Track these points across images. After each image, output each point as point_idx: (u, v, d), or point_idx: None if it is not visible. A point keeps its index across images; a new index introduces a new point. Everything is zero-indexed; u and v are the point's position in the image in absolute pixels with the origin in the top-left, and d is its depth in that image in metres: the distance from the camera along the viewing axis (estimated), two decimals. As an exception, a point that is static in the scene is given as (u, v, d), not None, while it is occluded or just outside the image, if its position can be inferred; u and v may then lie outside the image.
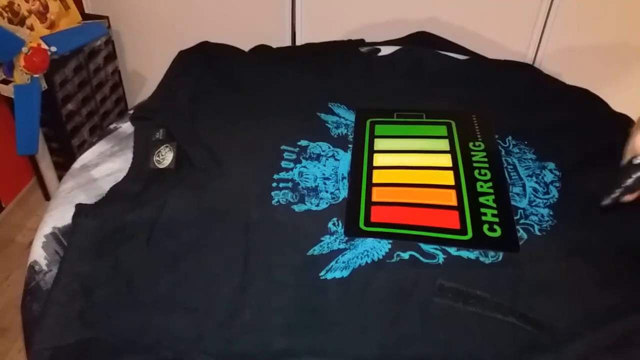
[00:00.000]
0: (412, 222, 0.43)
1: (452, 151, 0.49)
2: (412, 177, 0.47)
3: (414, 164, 0.48)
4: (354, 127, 0.53)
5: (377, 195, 0.46)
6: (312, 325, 0.37)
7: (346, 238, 0.43)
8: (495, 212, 0.44)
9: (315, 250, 0.42)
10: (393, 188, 0.46)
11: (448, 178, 0.47)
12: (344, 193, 0.46)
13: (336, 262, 0.41)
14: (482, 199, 0.45)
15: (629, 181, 0.38)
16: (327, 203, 0.45)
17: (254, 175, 0.47)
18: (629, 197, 0.39)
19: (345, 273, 0.40)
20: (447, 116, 0.53)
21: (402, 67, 0.60)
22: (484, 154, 0.49)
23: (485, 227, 0.43)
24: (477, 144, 0.50)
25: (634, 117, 0.55)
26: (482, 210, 0.44)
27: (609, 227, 0.43)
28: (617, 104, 0.58)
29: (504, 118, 0.54)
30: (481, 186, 0.46)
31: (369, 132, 0.52)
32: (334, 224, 0.44)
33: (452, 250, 0.41)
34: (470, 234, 0.42)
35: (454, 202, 0.45)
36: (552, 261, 0.41)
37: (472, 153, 0.49)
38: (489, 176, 0.47)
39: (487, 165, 0.48)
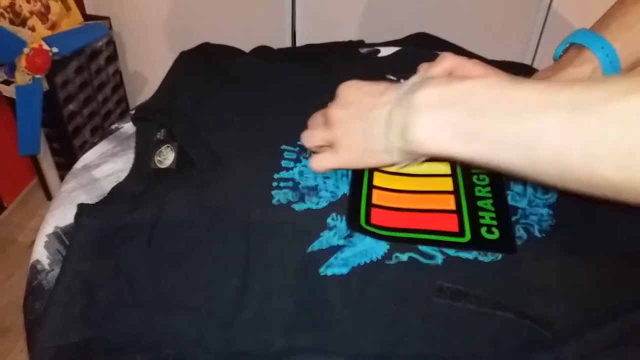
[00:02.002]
0: (410, 225, 0.44)
1: None
2: (411, 184, 0.47)
3: (413, 171, 0.48)
4: None
5: (377, 198, 0.46)
6: (313, 324, 0.38)
7: (345, 234, 0.43)
8: (493, 215, 0.44)
9: (315, 246, 0.42)
10: (392, 193, 0.47)
11: (447, 184, 0.47)
12: (342, 189, 0.47)
13: (335, 258, 0.41)
14: (480, 203, 0.45)
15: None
16: (326, 201, 0.46)
17: (255, 175, 0.48)
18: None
19: (345, 270, 0.40)
20: None
21: (403, 69, 0.61)
22: None
23: (484, 229, 0.43)
24: None
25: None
26: (480, 213, 0.44)
27: (607, 227, 0.44)
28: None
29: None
30: (479, 190, 0.47)
31: None
32: (332, 219, 0.44)
33: (451, 252, 0.42)
34: (468, 237, 0.43)
35: (452, 206, 0.45)
36: (551, 260, 0.42)
37: None
38: (487, 181, 0.47)
39: (485, 170, 0.48)
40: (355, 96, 0.40)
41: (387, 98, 0.37)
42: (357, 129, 0.39)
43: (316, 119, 0.45)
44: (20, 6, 0.99)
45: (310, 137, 0.45)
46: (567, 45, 0.49)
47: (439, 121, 0.34)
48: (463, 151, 0.33)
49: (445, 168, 0.49)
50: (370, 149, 0.39)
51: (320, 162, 0.44)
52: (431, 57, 0.41)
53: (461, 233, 0.43)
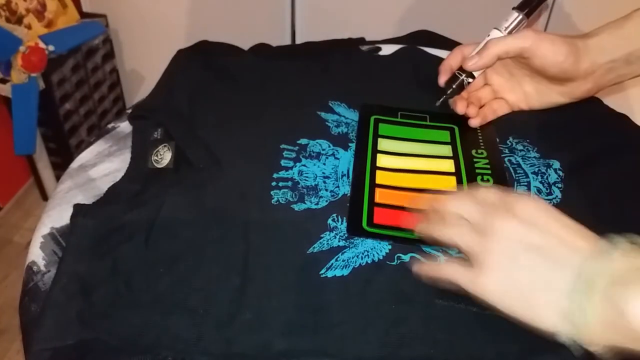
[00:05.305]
0: (413, 225, 0.43)
1: (455, 157, 0.49)
2: (415, 182, 0.47)
3: (417, 168, 0.48)
4: (358, 121, 0.53)
5: (380, 196, 0.46)
6: (313, 325, 0.37)
7: (346, 235, 0.42)
8: None
9: (315, 247, 0.42)
10: (395, 191, 0.46)
11: (450, 183, 0.47)
12: (343, 190, 0.46)
13: (336, 260, 0.41)
14: None
15: (451, 90, 0.52)
16: (326, 201, 0.45)
17: (254, 174, 0.47)
18: (456, 106, 0.52)
19: (346, 272, 0.40)
20: (450, 120, 0.53)
21: (404, 66, 0.60)
22: (487, 160, 0.50)
23: None
24: (479, 151, 0.51)
25: (634, 118, 0.55)
26: None
27: (610, 228, 0.43)
28: (617, 104, 0.58)
29: (504, 118, 0.54)
30: None
31: (373, 131, 0.52)
32: (333, 220, 0.44)
33: (454, 252, 0.41)
34: None
35: None
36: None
37: (475, 160, 0.50)
38: (491, 182, 0.47)
39: (489, 171, 0.48)
40: (541, 219, 0.35)
41: (582, 251, 0.33)
42: (527, 267, 0.33)
43: (461, 207, 0.37)
44: (16, 4, 0.99)
45: (452, 234, 0.36)
46: None
47: None
48: None
49: (449, 166, 0.49)
50: (536, 302, 0.33)
51: (451, 272, 0.36)
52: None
53: None
